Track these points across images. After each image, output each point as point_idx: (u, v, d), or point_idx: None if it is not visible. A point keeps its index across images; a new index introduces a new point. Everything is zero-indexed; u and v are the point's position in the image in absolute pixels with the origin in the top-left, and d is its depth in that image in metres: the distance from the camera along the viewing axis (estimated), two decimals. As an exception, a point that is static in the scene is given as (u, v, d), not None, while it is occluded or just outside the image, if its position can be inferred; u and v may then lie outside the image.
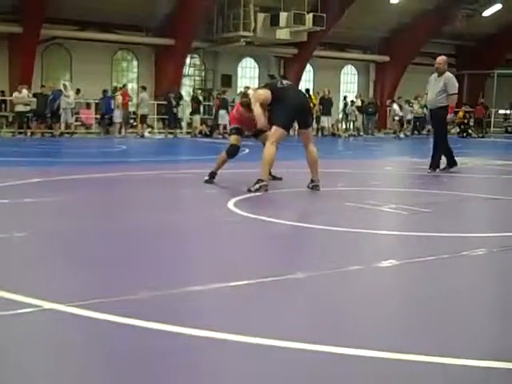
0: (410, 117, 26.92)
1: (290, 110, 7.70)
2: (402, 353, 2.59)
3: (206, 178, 8.28)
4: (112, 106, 22.16)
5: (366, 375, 2.43)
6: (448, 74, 10.25)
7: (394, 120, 27.14)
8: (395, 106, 26.76)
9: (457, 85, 10.26)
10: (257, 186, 7.40)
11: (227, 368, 2.48)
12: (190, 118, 24.82)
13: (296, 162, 9.48)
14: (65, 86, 21.21)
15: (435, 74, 10.41)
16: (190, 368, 2.48)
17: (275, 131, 7.67)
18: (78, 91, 22.28)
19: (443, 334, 2.90)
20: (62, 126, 21.04)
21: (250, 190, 7.37)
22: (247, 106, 8.03)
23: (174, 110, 23.16)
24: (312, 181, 7.89)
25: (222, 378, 2.40)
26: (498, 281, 4.03)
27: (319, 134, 25.20)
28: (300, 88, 26.02)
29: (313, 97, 25.62)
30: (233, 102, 21.80)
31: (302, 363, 2.54)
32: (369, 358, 2.55)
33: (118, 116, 22.10)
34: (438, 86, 10.19)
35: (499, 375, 2.47)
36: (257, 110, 7.72)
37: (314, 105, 23.82)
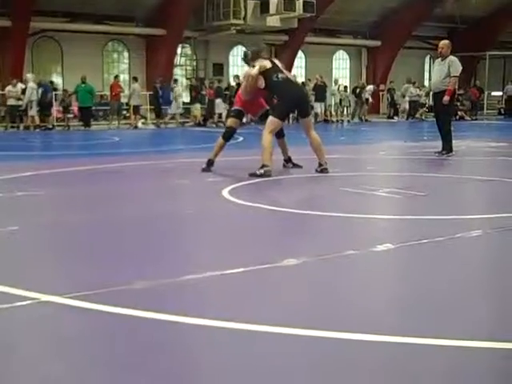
0: (422, 100, 26.77)
1: (290, 104, 8.15)
2: (400, 336, 2.60)
3: (204, 166, 8.30)
4: (171, 98, 22.48)
5: (365, 359, 2.44)
6: (452, 57, 10.26)
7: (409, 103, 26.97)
8: (412, 89, 26.56)
9: (460, 68, 10.26)
10: (261, 170, 7.65)
11: (225, 355, 2.49)
12: (186, 108, 24.69)
13: (292, 150, 9.46)
14: (26, 78, 20.95)
15: (439, 59, 10.43)
16: (189, 356, 2.49)
17: (272, 122, 7.98)
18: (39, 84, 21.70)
19: (441, 316, 2.91)
20: (29, 120, 20.59)
21: (253, 175, 7.59)
22: (255, 55, 8.36)
23: (160, 99, 23.06)
24: (320, 164, 8.15)
25: (220, 366, 2.40)
26: (494, 262, 4.04)
27: (312, 120, 25.10)
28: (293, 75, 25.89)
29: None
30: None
31: (301, 349, 2.54)
32: (368, 341, 2.56)
33: (174, 107, 22.53)
34: (442, 69, 10.21)
35: (498, 356, 2.48)
36: (242, 86, 8.38)
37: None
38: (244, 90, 8.33)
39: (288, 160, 8.69)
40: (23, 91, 20.63)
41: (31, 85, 20.45)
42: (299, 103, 8.27)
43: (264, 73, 8.07)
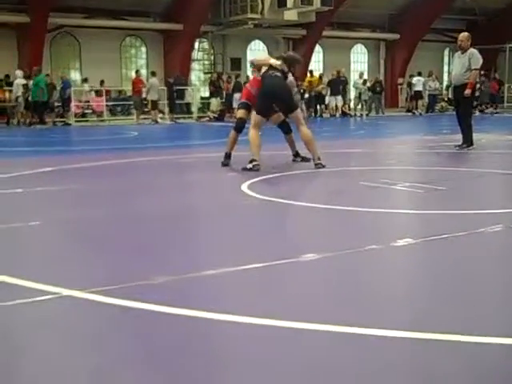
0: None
1: (264, 97, 8.18)
2: (421, 332, 2.57)
3: (222, 160, 8.38)
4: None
5: (385, 355, 2.42)
6: (472, 50, 10.15)
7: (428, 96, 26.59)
8: (431, 83, 26.20)
9: (481, 61, 10.16)
10: (250, 165, 7.81)
11: (245, 351, 2.48)
12: (204, 103, 24.69)
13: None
14: (15, 74, 20.89)
15: (459, 52, 10.34)
16: (209, 351, 2.48)
17: (252, 116, 8.33)
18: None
19: (463, 311, 2.87)
20: (19, 115, 20.34)
21: (244, 169, 7.77)
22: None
23: (175, 94, 23.08)
24: (312, 159, 8.13)
25: (239, 361, 2.39)
26: (517, 256, 3.99)
27: (327, 114, 25.13)
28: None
29: (314, 78, 25.42)
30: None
31: (321, 344, 2.53)
32: (388, 337, 2.54)
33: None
34: (462, 62, 10.12)
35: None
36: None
37: (311, 85, 24.34)
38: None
39: (296, 154, 8.75)
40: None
41: (18, 81, 20.41)
42: (272, 97, 8.18)
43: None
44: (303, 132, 8.22)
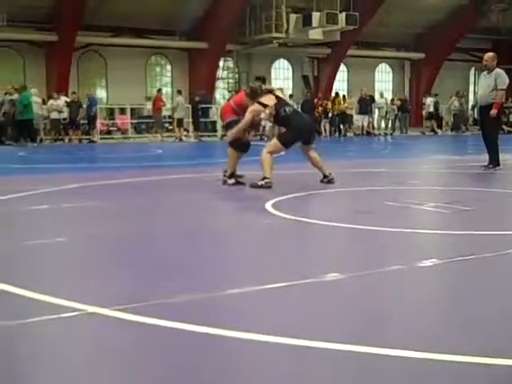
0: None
1: (299, 134, 8.26)
2: (444, 353, 2.53)
3: (232, 181, 8.39)
4: None
5: (406, 376, 2.39)
6: (498, 70, 10.12)
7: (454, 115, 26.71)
8: (456, 102, 26.22)
9: (507, 81, 10.13)
10: (262, 182, 7.87)
11: (268, 370, 2.46)
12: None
13: (335, 164, 9.43)
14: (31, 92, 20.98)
15: (485, 72, 10.31)
16: (233, 370, 2.47)
17: (275, 145, 8.26)
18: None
19: (486, 333, 2.83)
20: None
21: (254, 186, 7.86)
22: (254, 94, 8.30)
23: (199, 112, 23.23)
24: (325, 176, 8.35)
25: (263, 380, 2.38)
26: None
27: (352, 133, 25.18)
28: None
29: (338, 98, 25.60)
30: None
31: (344, 364, 2.50)
32: (411, 358, 2.50)
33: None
34: (488, 82, 10.08)
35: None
36: (246, 119, 8.22)
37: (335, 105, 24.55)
38: (245, 124, 8.29)
39: (231, 175, 8.50)
40: (68, 104, 21.00)
41: (37, 99, 20.59)
42: (307, 134, 8.40)
43: (276, 108, 8.21)
44: (314, 156, 8.45)
